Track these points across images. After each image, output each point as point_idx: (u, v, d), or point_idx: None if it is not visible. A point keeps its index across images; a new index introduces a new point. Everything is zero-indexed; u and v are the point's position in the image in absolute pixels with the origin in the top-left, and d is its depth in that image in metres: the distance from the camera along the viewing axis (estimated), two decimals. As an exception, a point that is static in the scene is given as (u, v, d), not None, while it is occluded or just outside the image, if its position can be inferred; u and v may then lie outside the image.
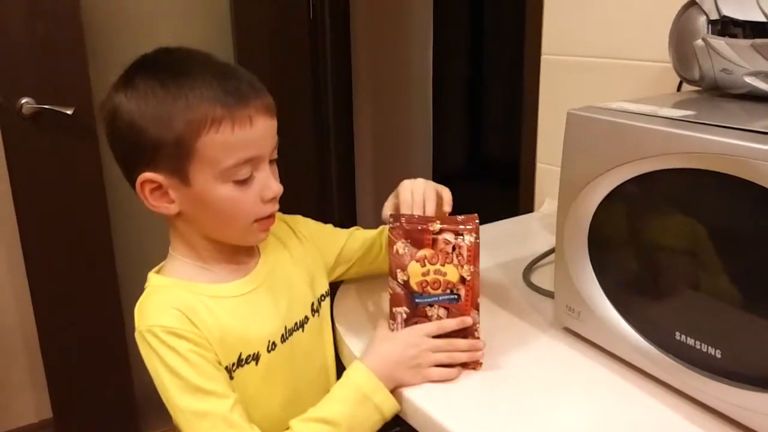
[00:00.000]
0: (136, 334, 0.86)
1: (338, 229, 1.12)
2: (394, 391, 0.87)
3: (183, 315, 0.85)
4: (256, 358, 0.91)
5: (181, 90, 0.83)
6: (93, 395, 2.06)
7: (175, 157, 0.84)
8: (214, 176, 0.85)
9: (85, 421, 2.07)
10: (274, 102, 0.90)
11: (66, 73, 1.80)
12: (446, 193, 1.00)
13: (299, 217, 1.09)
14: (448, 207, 0.99)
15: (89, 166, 1.88)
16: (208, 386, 0.83)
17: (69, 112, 1.77)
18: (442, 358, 0.89)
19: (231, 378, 0.88)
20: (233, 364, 0.89)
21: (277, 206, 0.92)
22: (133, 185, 0.88)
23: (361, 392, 0.85)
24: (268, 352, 0.93)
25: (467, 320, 0.89)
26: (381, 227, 1.12)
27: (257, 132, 0.86)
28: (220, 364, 0.87)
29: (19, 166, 1.79)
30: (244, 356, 0.90)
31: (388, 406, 0.86)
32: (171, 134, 0.83)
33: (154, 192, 0.88)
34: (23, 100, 1.75)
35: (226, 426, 0.82)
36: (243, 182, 0.87)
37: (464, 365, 0.90)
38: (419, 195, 0.96)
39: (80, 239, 1.94)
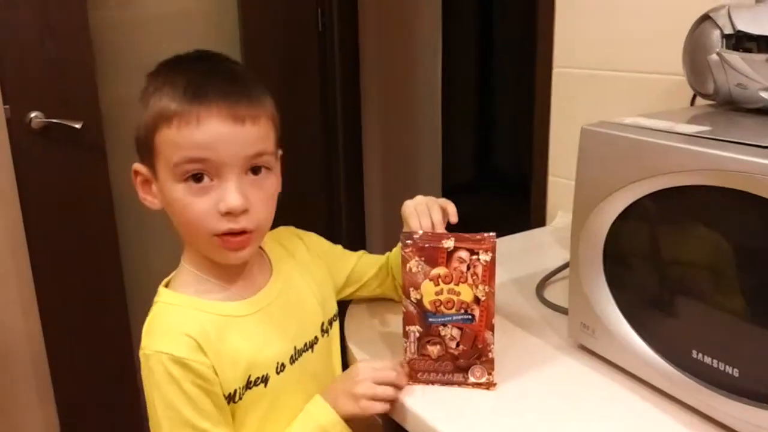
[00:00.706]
0: (141, 354, 0.85)
1: (348, 251, 1.12)
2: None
3: (194, 342, 0.83)
4: (265, 380, 0.89)
5: (160, 86, 0.84)
6: (101, 410, 2.05)
7: (146, 150, 0.86)
8: (170, 174, 0.84)
9: (93, 436, 2.06)
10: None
11: (75, 87, 1.80)
12: (450, 206, 1.00)
13: (313, 235, 1.09)
14: (453, 218, 0.99)
15: (97, 179, 1.89)
16: (201, 424, 0.83)
17: (77, 126, 1.77)
18: (369, 391, 0.88)
19: (240, 399, 0.87)
20: (242, 387, 0.87)
21: (242, 225, 0.84)
22: None
23: (317, 423, 0.89)
24: (278, 373, 0.91)
25: (403, 381, 0.90)
26: (387, 253, 1.12)
27: (206, 134, 0.81)
28: (225, 395, 0.85)
29: (28, 178, 1.79)
30: (253, 378, 0.88)
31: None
32: (142, 128, 0.86)
33: (144, 184, 0.90)
34: (32, 114, 1.75)
35: None
36: (199, 187, 0.83)
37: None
38: (422, 205, 0.98)
39: (88, 252, 1.93)
